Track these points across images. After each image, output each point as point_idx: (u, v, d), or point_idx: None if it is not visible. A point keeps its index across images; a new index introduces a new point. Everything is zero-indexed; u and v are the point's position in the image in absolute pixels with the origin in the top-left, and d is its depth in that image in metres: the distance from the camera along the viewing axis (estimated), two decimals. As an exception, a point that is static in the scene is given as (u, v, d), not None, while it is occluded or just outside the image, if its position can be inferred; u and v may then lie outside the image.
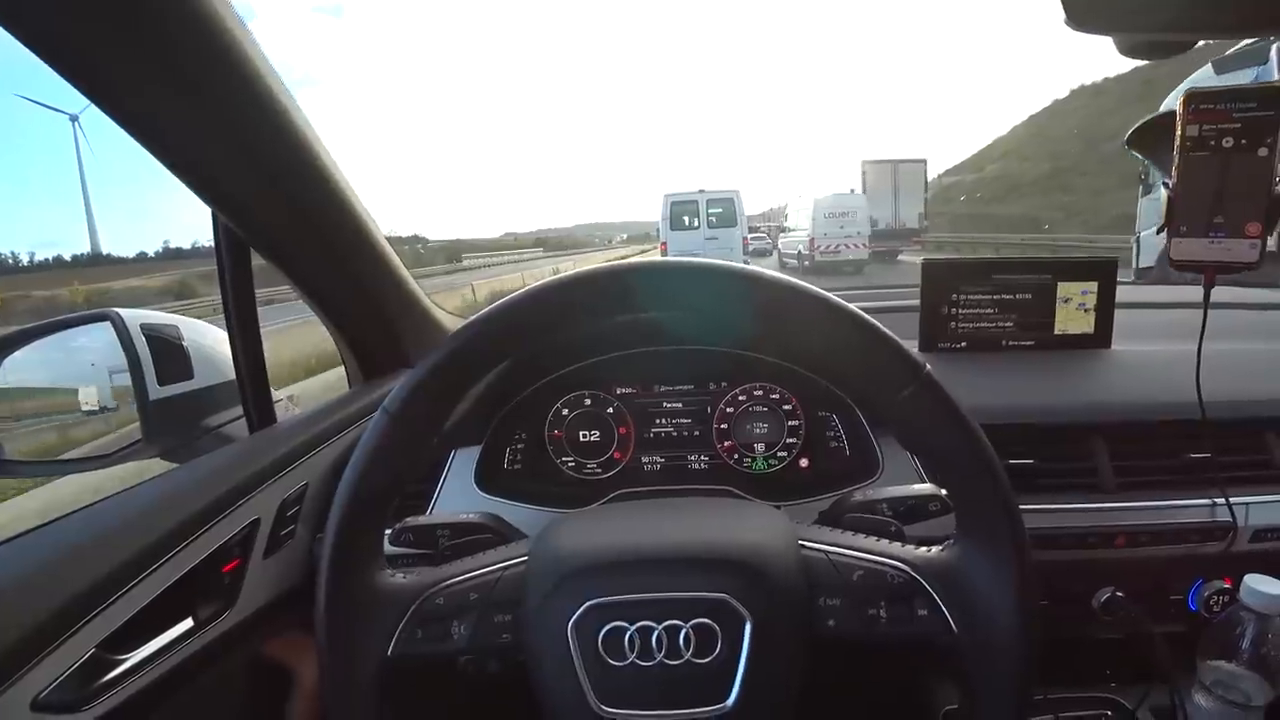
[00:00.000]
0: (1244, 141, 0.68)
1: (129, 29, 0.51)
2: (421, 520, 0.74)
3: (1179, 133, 0.70)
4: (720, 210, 13.89)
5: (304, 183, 0.77)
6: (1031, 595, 0.50)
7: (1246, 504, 0.84)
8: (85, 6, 0.49)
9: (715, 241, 13.55)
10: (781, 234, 23.29)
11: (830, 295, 0.52)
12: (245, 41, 0.60)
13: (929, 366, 0.51)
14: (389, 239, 0.96)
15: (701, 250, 12.96)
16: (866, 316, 0.51)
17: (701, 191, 14.07)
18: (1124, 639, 0.86)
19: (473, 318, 0.54)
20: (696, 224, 13.92)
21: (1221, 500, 0.83)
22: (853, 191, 19.77)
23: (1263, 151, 0.68)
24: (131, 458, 0.87)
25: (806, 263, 17.38)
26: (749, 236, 14.96)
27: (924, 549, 0.55)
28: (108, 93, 0.57)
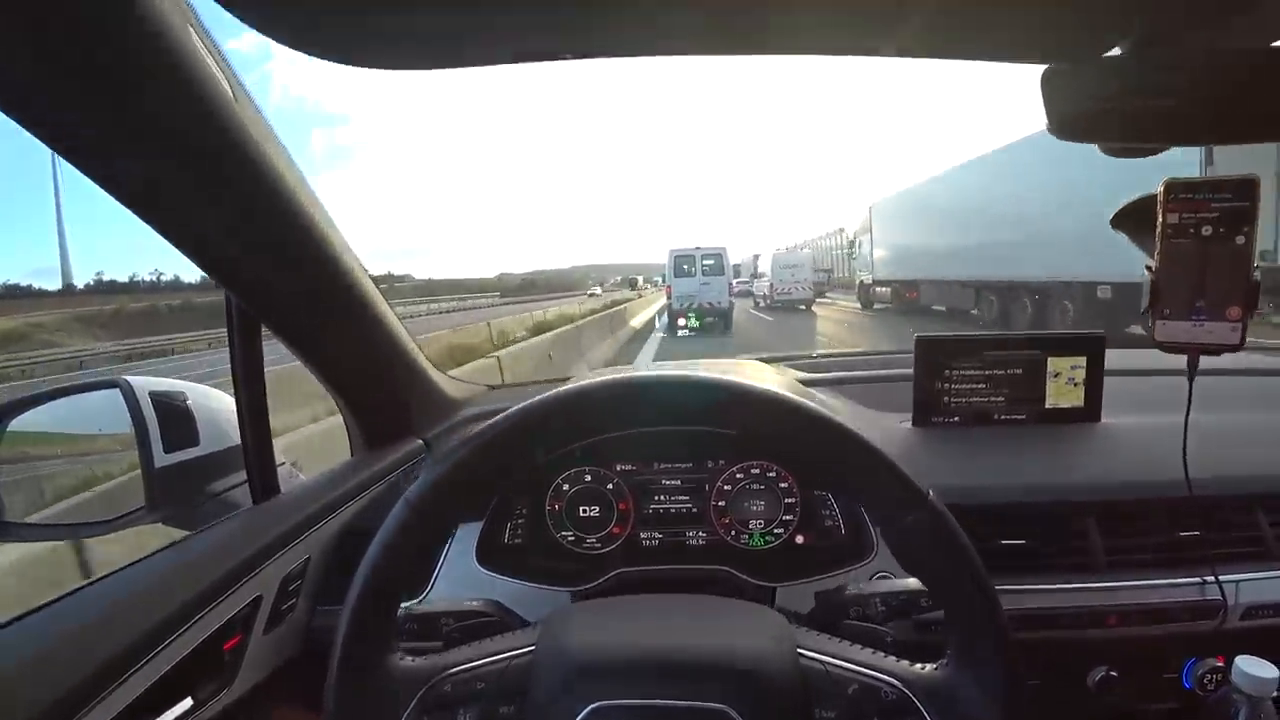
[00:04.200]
0: (1222, 229, 0.73)
1: (131, 110, 0.55)
2: (425, 608, 0.77)
3: (1160, 220, 0.75)
4: (711, 263, 18.19)
5: (309, 258, 0.81)
6: None
7: (1236, 581, 0.86)
8: (91, 95, 0.52)
9: (708, 286, 17.91)
10: (754, 280, 31.30)
11: (835, 418, 0.56)
12: (250, 123, 0.64)
13: (932, 494, 0.54)
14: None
15: (697, 293, 17.82)
16: (870, 441, 0.55)
17: (698, 248, 18.48)
18: (1119, 718, 0.89)
19: (499, 418, 0.57)
20: (694, 272, 18.09)
21: (1211, 578, 0.86)
22: (801, 247, 29.26)
23: (1240, 239, 0.72)
24: (133, 524, 0.90)
25: (767, 301, 24.97)
26: (734, 282, 19.28)
27: (919, 666, 0.58)
28: (112, 175, 0.60)
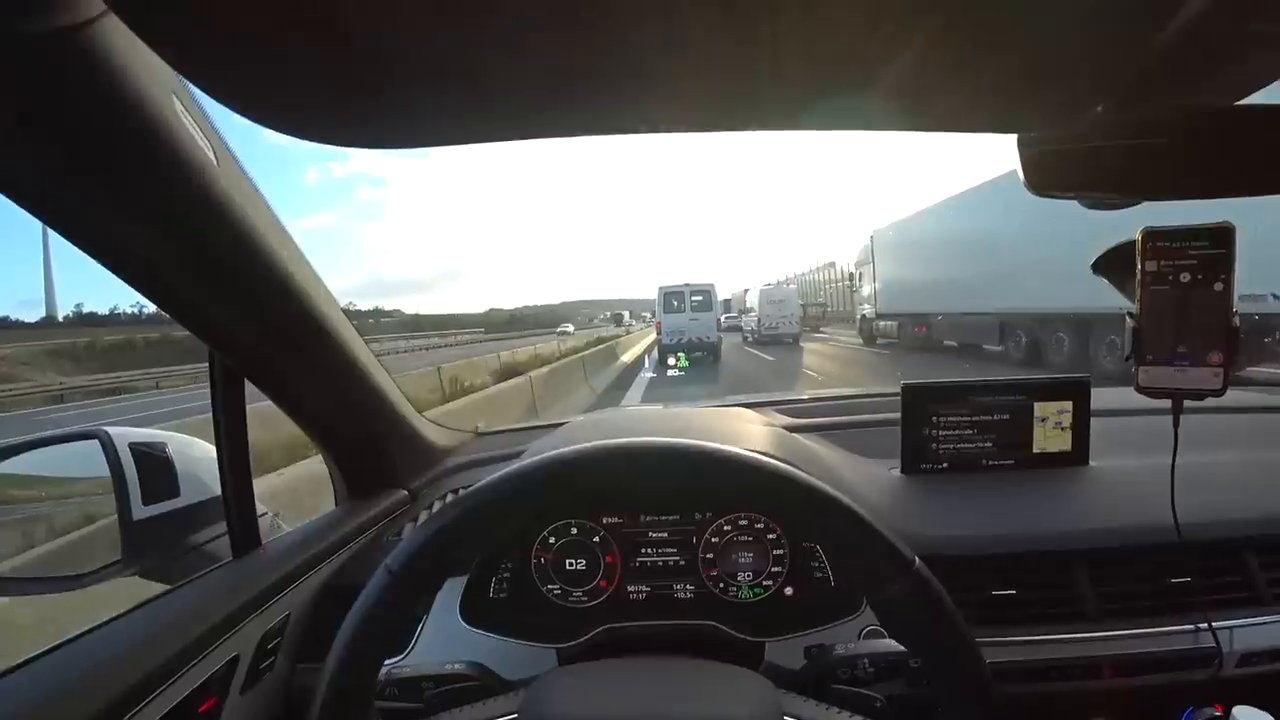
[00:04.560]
0: (1200, 276, 0.74)
1: (107, 175, 0.55)
2: (406, 672, 0.75)
3: (1139, 267, 0.77)
4: (700, 299, 19.07)
5: (291, 314, 0.81)
6: None
7: (1231, 628, 0.86)
8: (67, 160, 0.52)
9: (696, 322, 18.71)
10: (742, 315, 31.68)
11: (821, 485, 0.56)
12: (233, 185, 0.65)
13: (919, 561, 0.54)
14: (347, 311, 0.99)
15: (686, 328, 18.51)
16: (856, 507, 0.55)
17: (687, 285, 19.30)
18: None
19: (484, 482, 0.57)
20: (683, 308, 18.89)
21: (1205, 625, 0.86)
22: (788, 283, 30.26)
23: (1218, 286, 0.74)
24: (108, 577, 0.88)
25: (754, 336, 25.00)
26: (722, 317, 20.25)
27: None
28: (88, 238, 0.60)
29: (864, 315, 21.51)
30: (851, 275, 24.91)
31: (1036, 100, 0.51)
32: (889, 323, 19.04)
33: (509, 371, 11.55)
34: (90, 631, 0.68)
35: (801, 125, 0.51)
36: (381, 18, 0.34)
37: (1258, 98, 0.55)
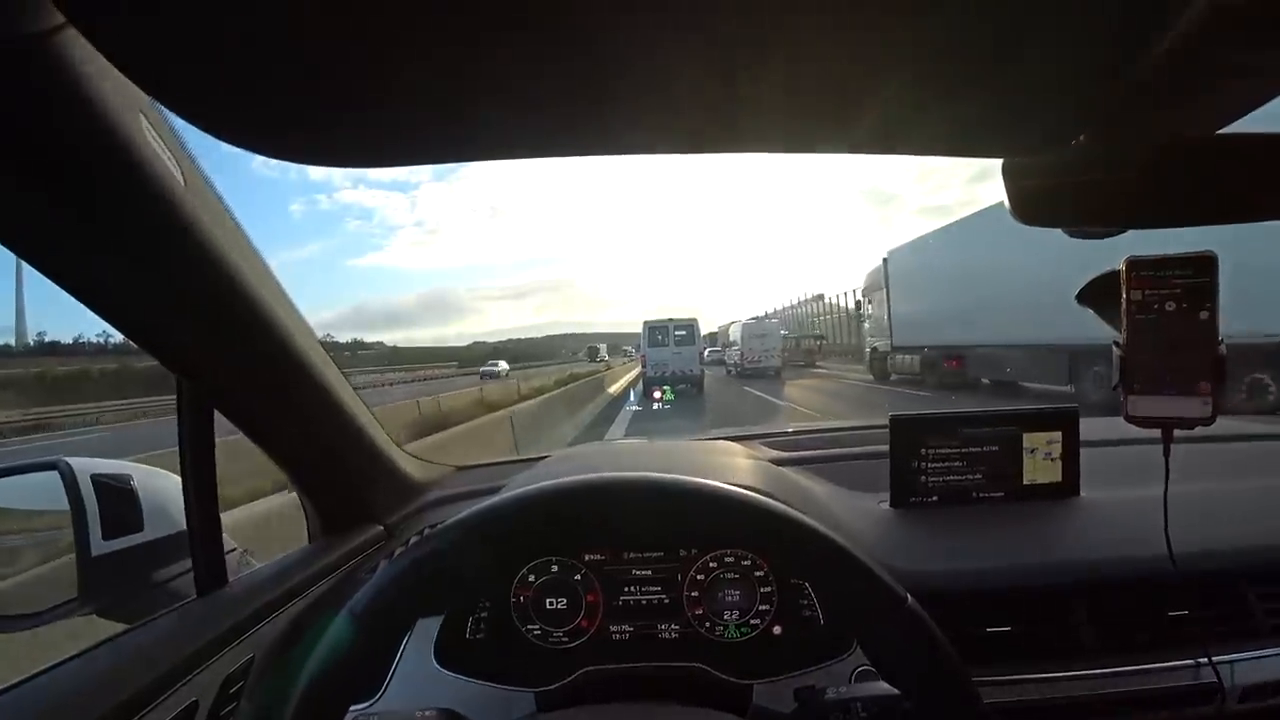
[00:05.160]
0: (1185, 305, 0.75)
1: (70, 199, 0.53)
2: None
3: (1124, 296, 0.77)
4: (683, 333, 19.94)
5: (261, 341, 0.79)
6: None
7: (1231, 662, 0.85)
8: (23, 179, 0.51)
9: (679, 355, 19.52)
10: (725, 349, 32.22)
11: (806, 519, 0.55)
12: (202, 207, 0.63)
13: (910, 599, 0.52)
14: (325, 344, 0.97)
15: (670, 361, 19.34)
16: (843, 542, 0.54)
17: (670, 320, 20.27)
18: None
19: (452, 520, 0.55)
20: (667, 342, 19.75)
21: (1205, 660, 0.84)
22: (770, 317, 30.06)
23: (1204, 314, 0.74)
24: (64, 616, 0.83)
25: (737, 370, 25.71)
26: (706, 350, 21.40)
27: None
28: (50, 263, 0.58)
29: (875, 349, 18.87)
30: (858, 303, 23.06)
31: (1018, 127, 0.52)
32: (908, 356, 16.26)
33: (443, 422, 8.89)
34: (36, 675, 0.64)
35: (786, 148, 0.51)
36: (349, 37, 0.34)
37: (1237, 127, 0.57)
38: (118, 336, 0.69)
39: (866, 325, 20.25)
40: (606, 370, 29.63)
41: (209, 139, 0.43)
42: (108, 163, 0.53)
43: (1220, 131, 0.57)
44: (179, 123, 0.57)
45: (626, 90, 0.41)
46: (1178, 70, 0.44)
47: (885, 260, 17.51)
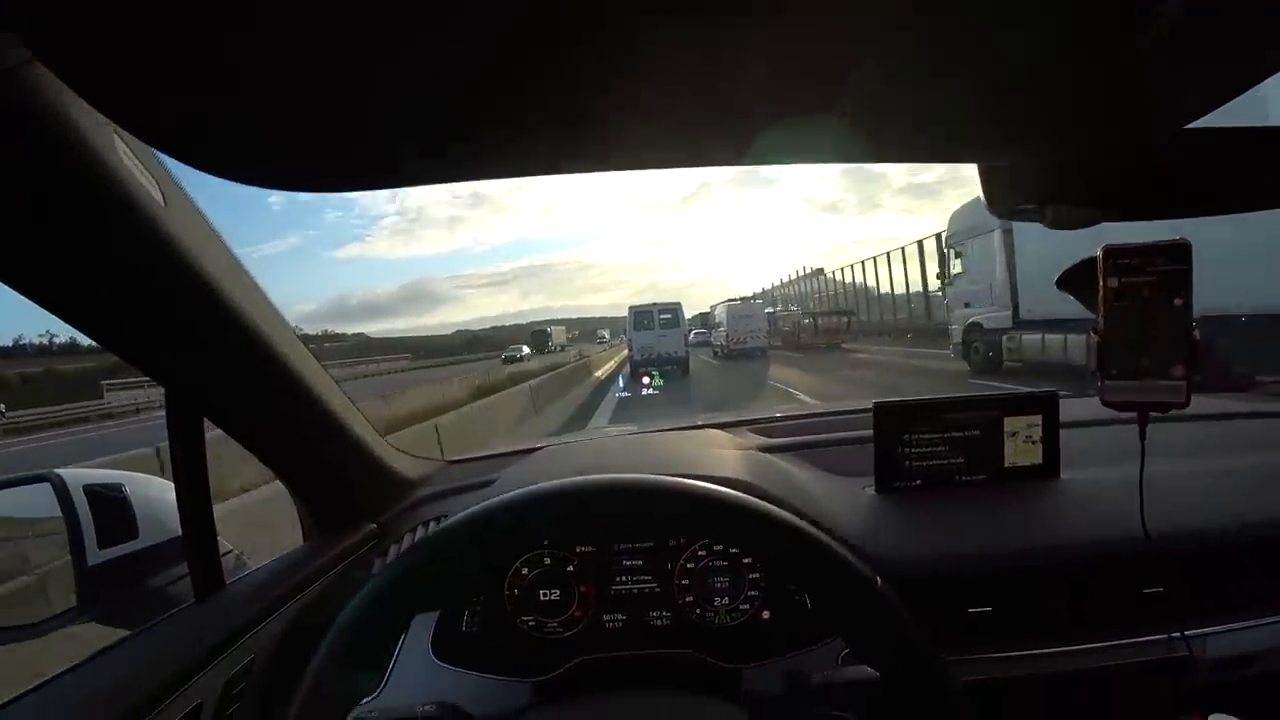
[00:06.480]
0: (1161, 292, 0.77)
1: (48, 220, 0.54)
2: (375, 717, 0.74)
3: (1101, 284, 0.79)
4: (668, 317, 20.78)
5: (248, 348, 0.80)
6: None
7: (1204, 636, 0.88)
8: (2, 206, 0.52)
9: (665, 338, 20.29)
10: (712, 331, 32.15)
11: (775, 510, 0.57)
12: (184, 224, 0.64)
13: (880, 581, 0.55)
14: (303, 337, 0.97)
15: (655, 344, 20.13)
16: (811, 530, 0.56)
17: (655, 304, 21.30)
18: None
19: (438, 529, 0.57)
20: (652, 326, 20.48)
21: (1179, 635, 0.88)
22: (755, 298, 30.75)
23: (1179, 301, 0.76)
24: (64, 625, 0.85)
25: (723, 350, 26.14)
26: (691, 333, 22.65)
27: None
28: (26, 278, 0.59)
29: (973, 325, 12.50)
30: (941, 257, 14.57)
31: (1000, 129, 0.53)
32: (1041, 336, 10.27)
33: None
34: (42, 685, 0.66)
35: (762, 160, 0.52)
36: (322, 65, 0.34)
37: (1208, 121, 0.58)
38: (63, 336, 0.67)
39: (947, 291, 14.06)
40: (579, 358, 26.42)
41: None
42: (86, 188, 0.54)
43: (1188, 127, 0.58)
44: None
45: (611, 108, 0.42)
46: (1152, 67, 0.44)
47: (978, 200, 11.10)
